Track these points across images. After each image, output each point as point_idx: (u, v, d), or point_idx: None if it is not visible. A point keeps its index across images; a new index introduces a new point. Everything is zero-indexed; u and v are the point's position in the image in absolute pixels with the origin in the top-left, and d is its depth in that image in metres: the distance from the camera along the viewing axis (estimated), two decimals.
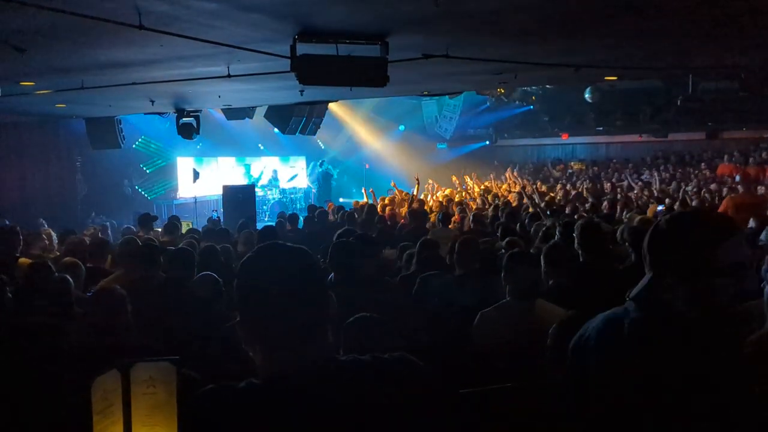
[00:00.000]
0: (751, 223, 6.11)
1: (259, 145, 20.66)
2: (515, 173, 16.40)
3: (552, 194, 13.08)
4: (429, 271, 4.35)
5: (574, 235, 4.80)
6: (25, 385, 2.61)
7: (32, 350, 2.96)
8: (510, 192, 13.37)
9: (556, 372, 2.62)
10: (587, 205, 10.01)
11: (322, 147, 22.75)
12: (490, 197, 12.38)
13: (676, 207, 9.08)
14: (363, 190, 13.36)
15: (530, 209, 9.17)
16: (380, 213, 9.96)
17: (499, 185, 15.20)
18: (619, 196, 12.21)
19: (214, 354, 3.18)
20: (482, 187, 14.63)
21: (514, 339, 3.23)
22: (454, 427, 1.63)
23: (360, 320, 2.74)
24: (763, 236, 4.97)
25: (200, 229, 9.58)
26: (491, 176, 17.14)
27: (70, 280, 3.89)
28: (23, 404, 2.47)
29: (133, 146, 16.74)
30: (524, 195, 11.05)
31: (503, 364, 3.18)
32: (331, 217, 10.39)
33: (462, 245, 4.81)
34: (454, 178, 16.03)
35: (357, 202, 11.75)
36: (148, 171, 17.93)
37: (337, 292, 3.23)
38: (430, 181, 15.17)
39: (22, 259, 5.44)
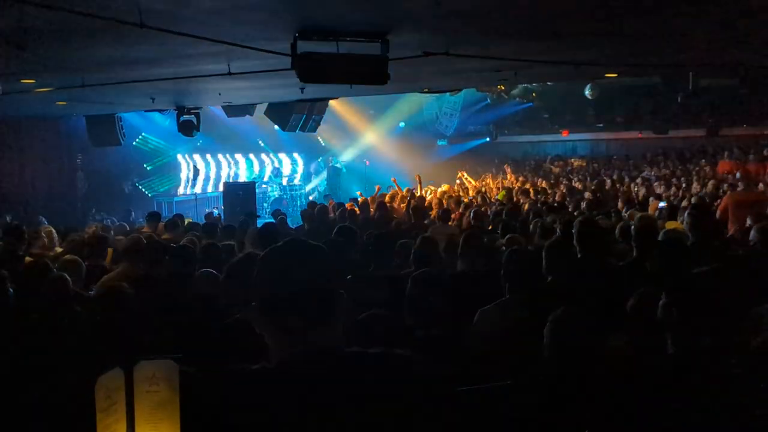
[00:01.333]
0: (749, 222, 6.10)
1: (259, 141, 20.64)
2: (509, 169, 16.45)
3: (550, 192, 13.11)
4: (426, 269, 4.35)
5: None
6: (28, 383, 2.63)
7: (33, 348, 2.98)
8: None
9: (552, 368, 2.63)
10: (584, 204, 9.99)
11: (323, 143, 22.74)
12: (491, 194, 12.41)
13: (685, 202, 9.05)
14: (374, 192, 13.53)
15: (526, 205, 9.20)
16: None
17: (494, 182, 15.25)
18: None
19: (216, 350, 3.19)
20: (479, 185, 14.68)
21: (513, 336, 3.24)
22: (453, 424, 1.67)
23: (372, 317, 2.78)
24: (752, 236, 4.96)
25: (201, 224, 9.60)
26: (488, 176, 17.15)
27: (68, 278, 3.88)
28: (27, 401, 2.49)
29: (133, 143, 16.72)
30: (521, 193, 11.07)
31: (502, 361, 3.20)
32: (330, 214, 10.41)
33: (465, 241, 4.83)
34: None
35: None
36: (148, 168, 17.87)
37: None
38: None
39: (29, 258, 5.44)
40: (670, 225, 6.56)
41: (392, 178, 13.67)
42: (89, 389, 1.76)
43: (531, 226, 7.03)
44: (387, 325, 2.80)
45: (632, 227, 5.14)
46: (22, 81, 7.89)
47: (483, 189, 13.95)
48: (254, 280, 1.59)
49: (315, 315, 1.54)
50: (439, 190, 13.80)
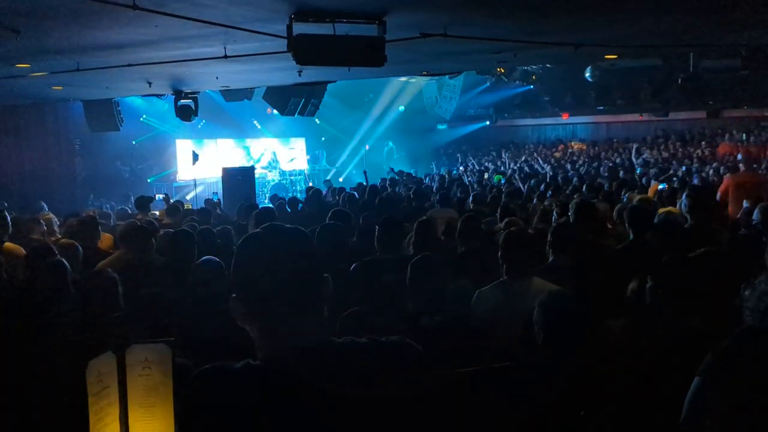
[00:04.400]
0: (745, 204, 6.06)
1: (254, 121, 20.52)
2: None
3: None
4: (425, 252, 4.34)
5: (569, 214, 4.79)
6: (19, 367, 2.62)
7: (26, 333, 2.96)
8: None
9: (543, 349, 2.62)
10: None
11: (322, 128, 22.64)
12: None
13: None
14: (364, 173, 13.43)
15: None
16: None
17: None
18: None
19: (214, 335, 3.19)
20: None
21: (511, 317, 3.24)
22: (451, 408, 1.63)
23: (357, 313, 2.75)
24: (755, 216, 4.92)
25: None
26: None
27: (66, 263, 3.87)
28: (17, 387, 2.48)
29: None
30: None
31: (500, 342, 3.20)
32: (330, 198, 10.42)
33: (464, 224, 4.82)
34: None
35: None
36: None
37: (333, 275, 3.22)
38: None
39: (8, 244, 5.36)
40: (662, 211, 6.52)
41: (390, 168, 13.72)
42: (80, 374, 1.74)
43: (530, 209, 7.02)
44: (368, 323, 2.77)
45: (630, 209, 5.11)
46: (17, 66, 7.84)
47: None
48: (232, 270, 1.51)
49: (297, 304, 1.46)
50: None
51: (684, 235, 4.33)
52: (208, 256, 4.34)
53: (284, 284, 1.45)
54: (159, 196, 11.28)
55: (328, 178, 18.76)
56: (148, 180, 17.69)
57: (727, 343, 1.85)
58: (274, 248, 1.50)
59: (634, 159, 15.81)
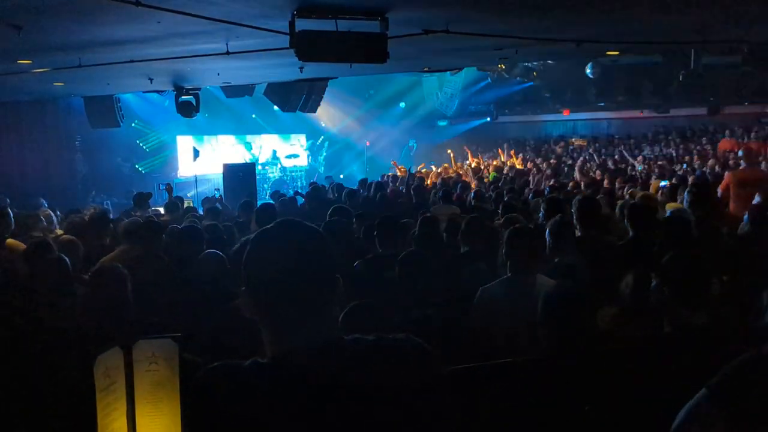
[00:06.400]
0: (757, 199, 6.04)
1: (253, 115, 20.49)
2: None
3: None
4: (427, 249, 4.34)
5: (563, 211, 4.79)
6: (26, 365, 2.62)
7: (31, 330, 2.97)
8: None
9: (548, 344, 2.63)
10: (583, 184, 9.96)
11: (323, 124, 22.62)
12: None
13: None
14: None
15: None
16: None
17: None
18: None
19: (219, 331, 3.20)
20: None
21: (515, 314, 3.24)
22: (459, 404, 1.63)
23: (356, 308, 2.76)
24: None
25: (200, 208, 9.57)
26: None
27: (67, 259, 3.87)
28: (24, 384, 2.49)
29: (132, 125, 16.66)
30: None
31: (504, 339, 3.20)
32: (331, 195, 10.42)
33: (467, 225, 4.82)
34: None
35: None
36: (146, 149, 17.84)
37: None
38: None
39: (10, 240, 5.37)
40: (671, 206, 6.52)
41: (393, 161, 13.71)
42: (89, 369, 1.75)
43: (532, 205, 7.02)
44: (371, 316, 2.77)
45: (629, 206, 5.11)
46: (19, 62, 7.84)
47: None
48: (244, 264, 1.49)
49: (310, 303, 1.44)
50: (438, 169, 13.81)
51: (687, 231, 4.33)
52: (211, 250, 4.35)
53: (296, 284, 1.43)
54: (161, 186, 11.26)
55: (329, 174, 18.76)
56: (141, 170, 17.65)
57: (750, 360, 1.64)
58: (289, 246, 1.47)
59: (627, 155, 15.79)
